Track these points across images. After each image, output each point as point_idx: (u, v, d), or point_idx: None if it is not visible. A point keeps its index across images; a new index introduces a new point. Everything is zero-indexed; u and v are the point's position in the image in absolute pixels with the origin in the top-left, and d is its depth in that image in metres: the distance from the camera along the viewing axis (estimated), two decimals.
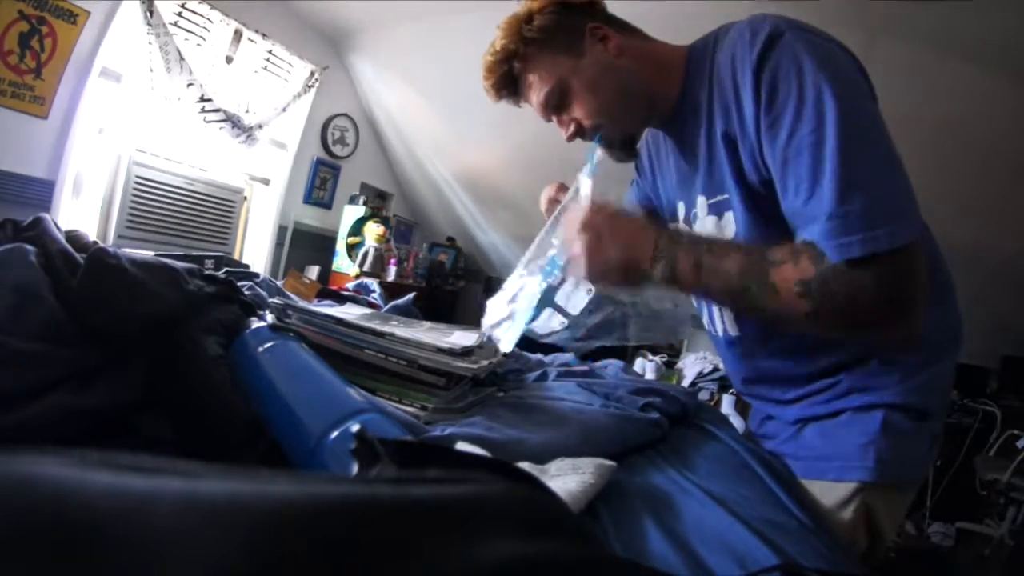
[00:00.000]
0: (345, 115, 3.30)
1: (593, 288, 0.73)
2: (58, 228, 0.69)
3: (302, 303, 0.84)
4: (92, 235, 1.38)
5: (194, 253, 1.05)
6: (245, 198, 2.82)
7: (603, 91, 0.69)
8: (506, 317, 0.75)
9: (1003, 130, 1.96)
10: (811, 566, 0.41)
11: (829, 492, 0.63)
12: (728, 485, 0.55)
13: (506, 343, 0.74)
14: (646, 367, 2.66)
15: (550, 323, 0.79)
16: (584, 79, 0.68)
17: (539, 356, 1.13)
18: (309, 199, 3.21)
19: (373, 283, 1.45)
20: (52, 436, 0.49)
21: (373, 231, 3.05)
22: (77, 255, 0.62)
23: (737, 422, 1.12)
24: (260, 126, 2.69)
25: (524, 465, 0.49)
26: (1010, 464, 2.15)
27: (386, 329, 0.70)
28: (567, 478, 0.47)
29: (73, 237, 0.75)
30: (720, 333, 0.75)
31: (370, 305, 1.21)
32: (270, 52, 2.71)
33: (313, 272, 3.06)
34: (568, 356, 1.15)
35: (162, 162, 2.40)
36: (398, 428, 0.51)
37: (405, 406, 0.64)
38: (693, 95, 0.66)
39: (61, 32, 1.98)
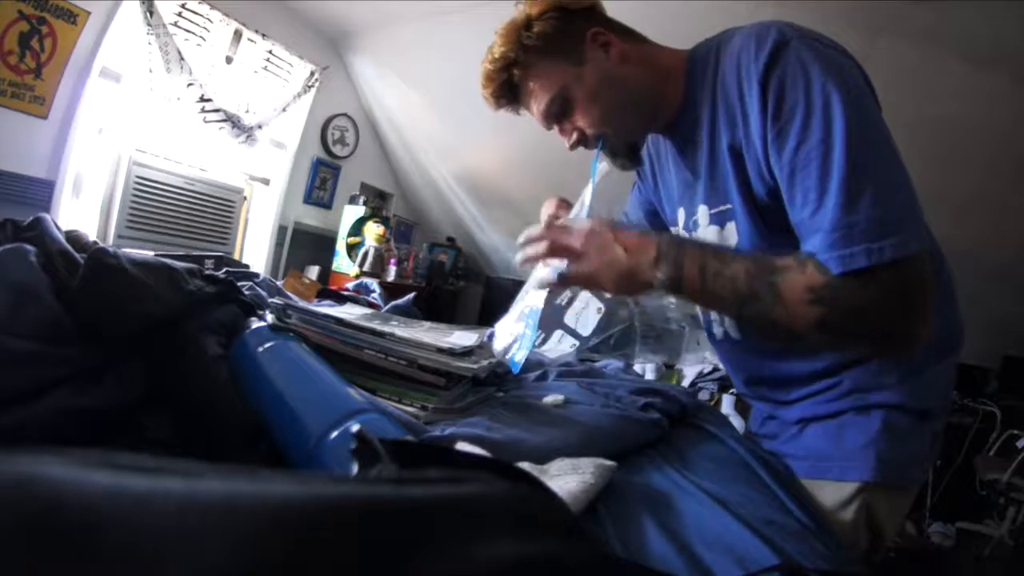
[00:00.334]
0: (345, 115, 3.30)
1: (603, 307, 0.73)
2: (58, 228, 0.69)
3: (302, 303, 0.84)
4: (92, 235, 1.38)
5: (194, 253, 1.05)
6: (245, 198, 2.82)
7: (606, 100, 0.68)
8: (514, 340, 0.74)
9: (1003, 130, 1.96)
10: (811, 566, 0.42)
11: (830, 492, 0.63)
12: (728, 485, 0.55)
13: (519, 360, 0.73)
14: (646, 367, 2.66)
15: (561, 346, 0.78)
16: (586, 88, 0.67)
17: (539, 356, 1.13)
18: (309, 199, 3.21)
19: (373, 283, 1.45)
20: (52, 436, 0.49)
21: (373, 231, 3.05)
22: (77, 255, 0.62)
23: (737, 422, 1.12)
24: (260, 126, 2.69)
25: (524, 465, 0.49)
26: (1010, 464, 2.15)
27: (386, 329, 0.70)
28: (567, 478, 0.47)
29: (73, 237, 0.75)
30: (721, 336, 0.75)
31: (370, 305, 1.21)
32: (270, 52, 2.71)
33: (313, 272, 3.06)
34: (568, 357, 1.15)
35: (162, 162, 2.40)
36: (398, 428, 0.51)
37: (405, 406, 0.64)
38: (696, 102, 0.65)
39: (61, 32, 1.98)
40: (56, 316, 0.54)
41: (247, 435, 0.54)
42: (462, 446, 0.49)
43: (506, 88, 0.71)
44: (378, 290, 1.38)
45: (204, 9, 2.38)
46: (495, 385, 0.81)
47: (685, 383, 2.57)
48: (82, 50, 2.05)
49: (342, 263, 3.15)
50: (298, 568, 0.14)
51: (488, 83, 0.71)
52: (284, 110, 2.82)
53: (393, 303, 1.15)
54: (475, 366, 0.68)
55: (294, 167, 3.06)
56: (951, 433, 2.49)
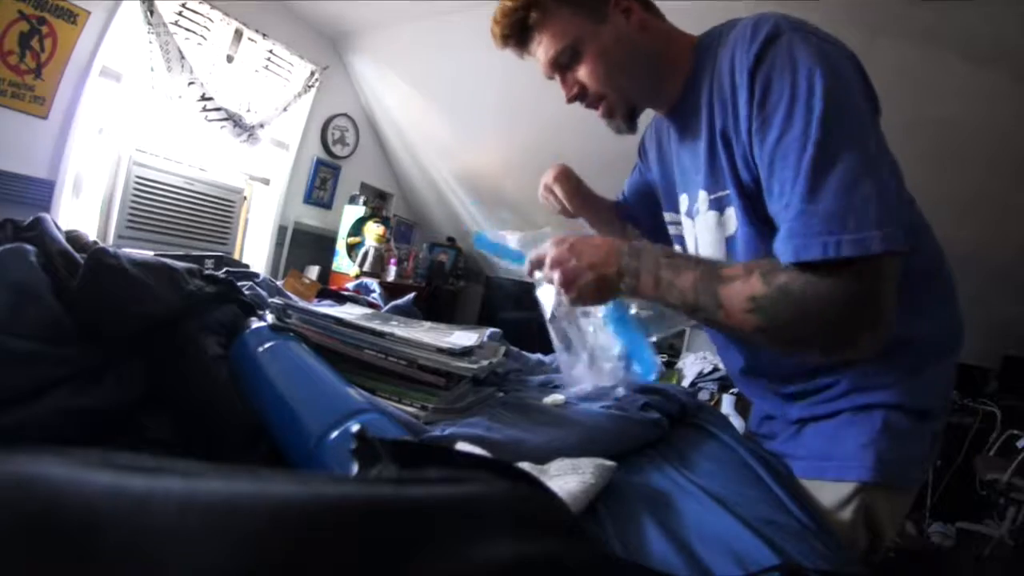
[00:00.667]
0: (345, 115, 3.30)
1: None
2: (58, 228, 0.69)
3: (302, 303, 0.84)
4: (92, 235, 1.38)
5: (194, 253, 1.05)
6: (245, 198, 2.82)
7: (616, 62, 0.68)
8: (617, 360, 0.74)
9: (1004, 130, 1.96)
10: (811, 566, 0.42)
11: (829, 492, 0.63)
12: (728, 485, 0.55)
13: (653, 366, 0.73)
14: None
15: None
16: (599, 45, 0.67)
17: (539, 356, 1.13)
18: (309, 199, 3.21)
19: (373, 283, 1.45)
20: (52, 436, 0.49)
21: (373, 231, 3.04)
22: (77, 255, 0.62)
23: (737, 422, 1.12)
24: (262, 125, 2.69)
25: (524, 465, 0.49)
26: (1010, 464, 2.15)
27: (386, 329, 0.70)
28: (567, 478, 0.47)
29: (73, 237, 0.75)
30: None
31: (370, 305, 1.21)
32: (270, 52, 2.71)
33: (313, 272, 3.06)
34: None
35: (162, 162, 2.40)
36: (398, 428, 0.51)
37: (405, 406, 0.64)
38: (696, 88, 0.66)
39: (61, 32, 1.98)
40: (56, 316, 0.54)
41: (247, 435, 0.54)
42: (462, 446, 0.49)
43: (518, 28, 0.70)
44: (378, 290, 1.38)
45: (204, 9, 2.38)
46: (495, 385, 0.81)
47: (685, 383, 2.57)
48: (82, 50, 2.05)
49: (342, 263, 3.15)
50: (298, 568, 0.14)
51: (502, 18, 0.70)
52: (285, 109, 2.82)
53: (393, 303, 1.15)
54: (475, 366, 0.68)
55: (294, 167, 3.06)
56: (951, 433, 2.49)
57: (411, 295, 1.19)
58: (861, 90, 0.56)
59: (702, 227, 0.71)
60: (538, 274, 0.69)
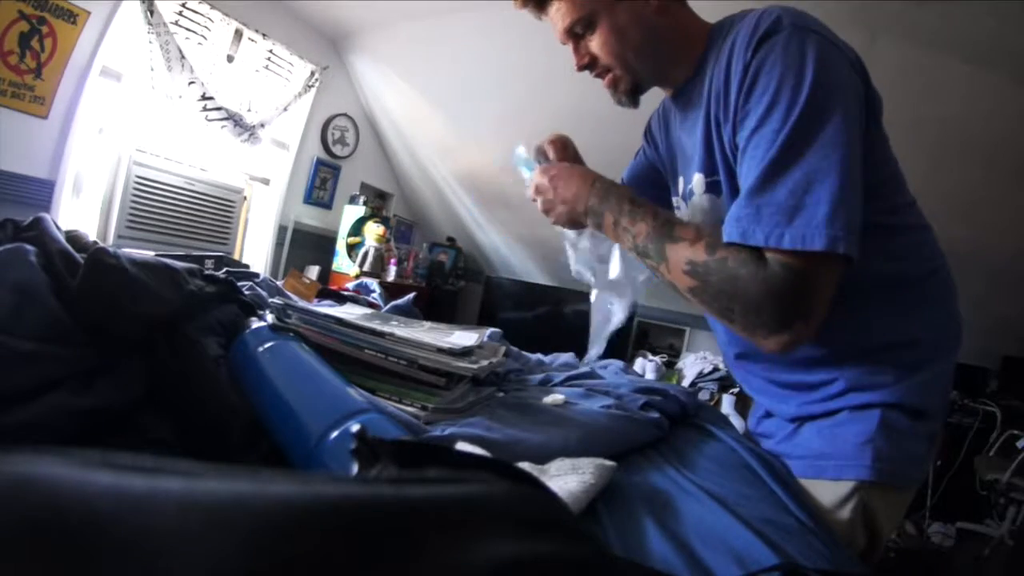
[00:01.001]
0: (345, 115, 3.30)
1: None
2: (58, 228, 0.69)
3: (302, 303, 0.84)
4: (92, 235, 1.38)
5: (194, 253, 1.05)
6: (245, 198, 2.82)
7: (629, 39, 0.69)
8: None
9: (1003, 130, 1.96)
10: (811, 565, 0.42)
11: (827, 491, 0.63)
12: (728, 485, 0.55)
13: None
14: (646, 367, 2.67)
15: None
16: (616, 21, 0.68)
17: (539, 356, 1.13)
18: (309, 199, 3.21)
19: (373, 283, 1.45)
20: (52, 436, 0.49)
21: (373, 231, 3.04)
22: (77, 255, 0.62)
23: (737, 422, 1.12)
24: (262, 125, 2.69)
25: (524, 465, 0.49)
26: (1010, 464, 2.15)
27: (386, 329, 0.70)
28: (567, 478, 0.47)
29: (73, 237, 0.75)
30: None
31: (370, 305, 1.21)
32: (271, 52, 2.71)
33: (313, 272, 3.05)
34: (568, 356, 1.15)
35: (162, 162, 2.40)
36: (398, 428, 0.51)
37: (405, 406, 0.64)
38: (702, 74, 0.67)
39: (61, 32, 1.97)
40: (56, 316, 0.54)
41: (247, 435, 0.54)
42: (462, 446, 0.49)
43: None
44: (378, 290, 1.38)
45: (204, 9, 2.38)
46: (495, 385, 0.81)
47: (685, 383, 2.57)
48: (82, 50, 2.05)
49: (342, 263, 3.15)
50: (298, 568, 0.14)
51: None
52: (285, 109, 2.82)
53: (393, 303, 1.15)
54: (475, 366, 0.68)
55: (294, 167, 3.06)
56: (951, 433, 2.49)
57: (411, 295, 1.19)
58: (855, 93, 0.57)
59: (696, 210, 0.72)
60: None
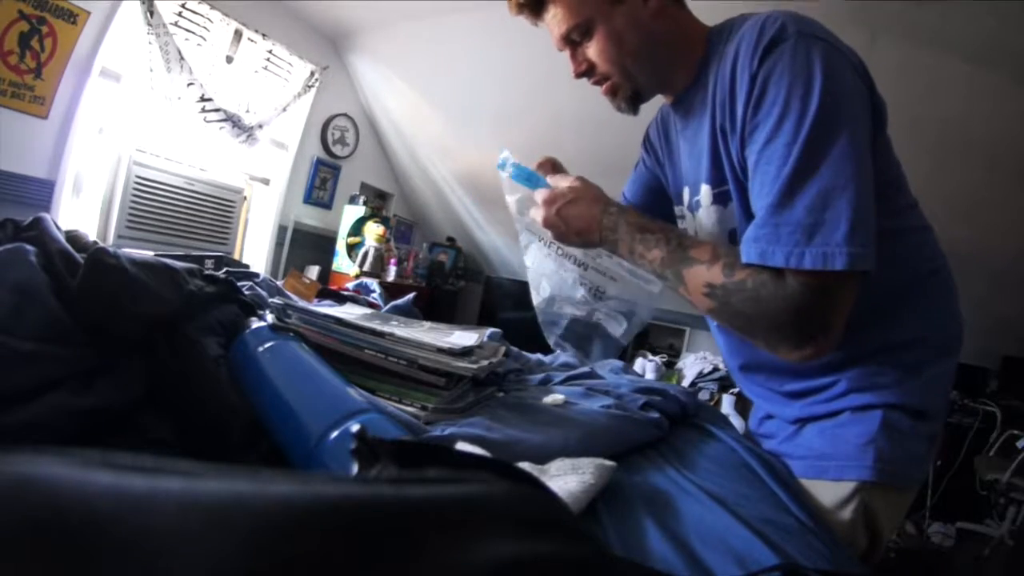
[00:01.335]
0: (345, 115, 3.30)
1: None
2: (58, 228, 0.69)
3: (302, 303, 0.84)
4: (92, 235, 1.38)
5: (194, 253, 1.05)
6: (245, 198, 2.82)
7: (627, 45, 0.67)
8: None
9: (1004, 130, 1.96)
10: (811, 566, 0.42)
11: (828, 491, 0.63)
12: (728, 485, 0.55)
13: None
14: (646, 367, 2.67)
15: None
16: (612, 26, 0.66)
17: (539, 356, 1.13)
18: (309, 199, 3.21)
19: (373, 283, 1.45)
20: (52, 436, 0.49)
21: (373, 231, 3.04)
22: (77, 255, 0.62)
23: (737, 422, 1.12)
24: (260, 126, 2.69)
25: (524, 465, 0.49)
26: (1010, 464, 2.15)
27: (386, 329, 0.70)
28: (567, 478, 0.47)
29: (73, 237, 0.75)
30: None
31: (370, 305, 1.21)
32: (270, 52, 2.71)
33: (313, 272, 3.05)
34: (568, 356, 1.15)
35: (162, 162, 2.40)
36: (398, 428, 0.51)
37: (405, 406, 0.64)
38: (704, 81, 0.66)
39: (61, 32, 1.97)
40: (56, 316, 0.54)
41: (247, 435, 0.54)
42: (462, 446, 0.49)
43: None
44: (378, 290, 1.38)
45: (204, 9, 2.38)
46: (495, 385, 0.81)
47: (685, 383, 2.57)
48: (82, 50, 2.05)
49: (342, 263, 3.15)
50: (298, 568, 0.14)
51: None
52: (284, 110, 2.82)
53: (393, 303, 1.15)
54: (475, 366, 0.68)
55: (294, 167, 3.06)
56: (951, 433, 2.49)
57: (411, 295, 1.19)
58: (863, 100, 0.56)
59: (704, 221, 0.71)
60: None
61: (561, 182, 0.72)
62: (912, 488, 0.67)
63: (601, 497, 0.48)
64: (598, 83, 0.72)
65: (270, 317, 0.72)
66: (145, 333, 0.59)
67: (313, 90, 2.97)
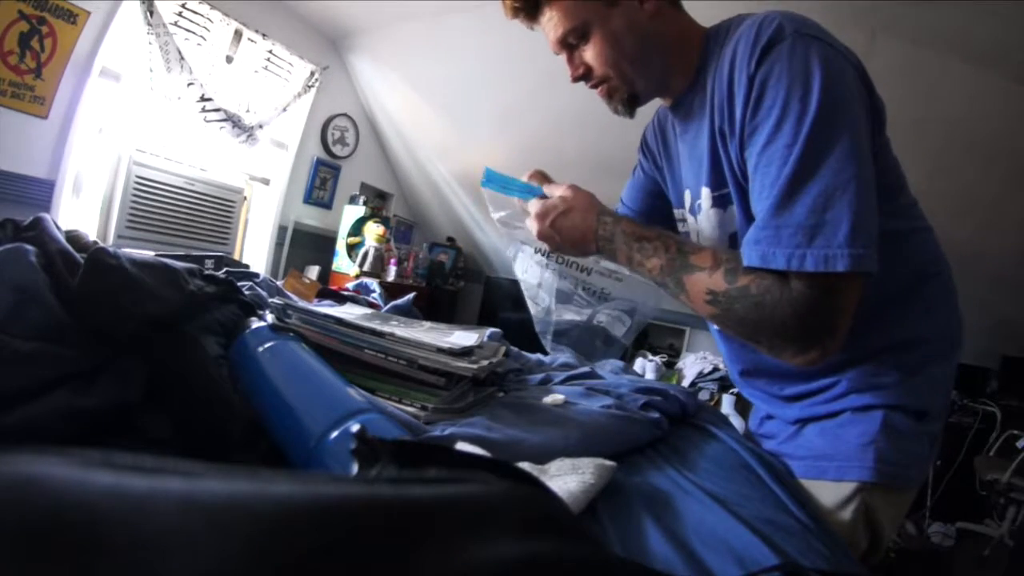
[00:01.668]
0: (345, 115, 3.30)
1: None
2: (58, 228, 0.69)
3: (302, 303, 0.84)
4: (92, 235, 1.38)
5: (194, 253, 1.05)
6: (245, 198, 2.82)
7: (624, 48, 0.67)
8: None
9: (1003, 130, 1.96)
10: (811, 566, 0.42)
11: (829, 492, 0.63)
12: (728, 485, 0.55)
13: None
14: (646, 367, 2.67)
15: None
16: (609, 29, 0.66)
17: (539, 356, 1.13)
18: (309, 199, 3.21)
19: (373, 283, 1.45)
20: (53, 436, 0.49)
21: (373, 231, 3.04)
22: (77, 255, 0.62)
23: (737, 422, 1.12)
24: (260, 126, 2.69)
25: (524, 465, 0.49)
26: (1010, 464, 2.15)
27: (386, 329, 0.70)
28: (567, 478, 0.47)
29: (73, 237, 0.75)
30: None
31: (370, 305, 1.21)
32: (270, 52, 2.71)
33: (313, 272, 3.05)
34: (568, 356, 1.15)
35: (162, 162, 2.40)
36: (398, 428, 0.51)
37: (405, 406, 0.63)
38: (701, 83, 0.66)
39: (61, 32, 1.97)
40: (56, 316, 0.54)
41: (247, 435, 0.54)
42: (462, 446, 0.49)
43: (530, 1, 0.68)
44: (378, 290, 1.38)
45: (204, 9, 2.38)
46: (495, 385, 0.81)
47: (685, 383, 2.57)
48: (82, 50, 2.05)
49: (342, 263, 3.15)
50: (298, 568, 0.14)
51: None
52: (284, 110, 2.82)
53: (393, 303, 1.15)
54: (475, 366, 0.68)
55: (294, 167, 3.06)
56: (951, 433, 2.49)
57: (411, 295, 1.19)
58: (862, 100, 0.56)
59: (704, 224, 0.71)
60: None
61: (554, 190, 0.72)
62: (913, 488, 0.67)
63: (601, 497, 0.48)
64: (595, 86, 0.71)
65: (270, 317, 0.72)
66: (145, 333, 0.59)
67: (313, 90, 2.97)
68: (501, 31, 2.42)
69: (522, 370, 0.99)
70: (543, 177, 0.77)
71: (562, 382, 0.92)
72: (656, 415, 0.70)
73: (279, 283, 1.10)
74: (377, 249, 3.03)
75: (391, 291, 1.53)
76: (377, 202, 3.53)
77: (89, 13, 2.03)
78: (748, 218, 0.62)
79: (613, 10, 0.65)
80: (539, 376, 0.95)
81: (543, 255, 0.81)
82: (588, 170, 2.61)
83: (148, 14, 2.14)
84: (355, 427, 0.27)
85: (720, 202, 0.67)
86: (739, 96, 0.57)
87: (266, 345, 0.62)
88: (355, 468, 0.22)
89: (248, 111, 2.62)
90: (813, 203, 0.51)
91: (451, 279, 3.84)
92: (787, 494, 0.56)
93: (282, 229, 3.07)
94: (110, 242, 2.17)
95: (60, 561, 0.12)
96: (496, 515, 0.20)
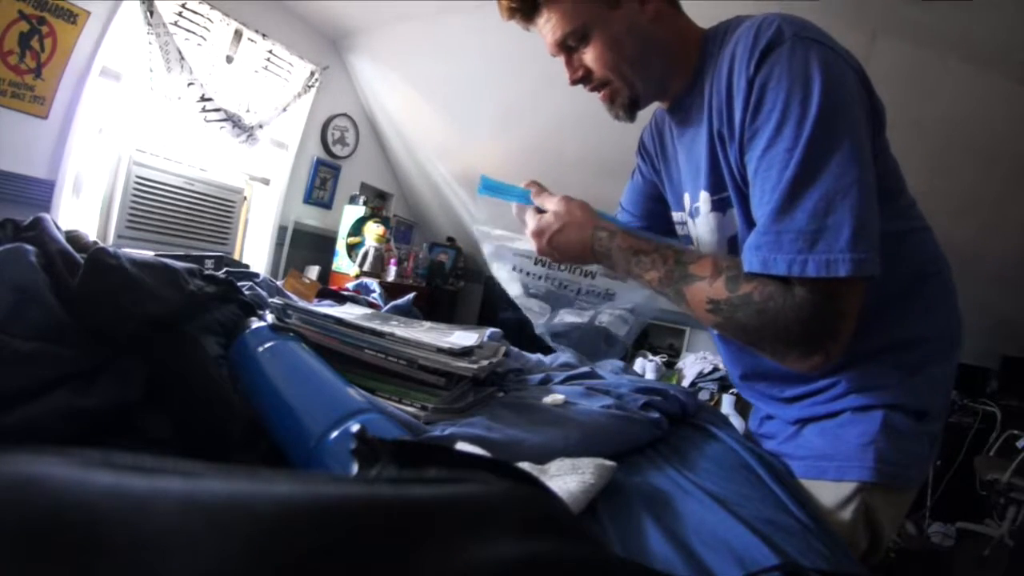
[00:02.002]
0: (345, 115, 3.30)
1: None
2: (58, 228, 0.69)
3: (302, 303, 0.84)
4: (92, 235, 1.38)
5: (194, 253, 1.05)
6: (245, 198, 2.82)
7: (625, 50, 0.66)
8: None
9: (1003, 130, 1.96)
10: (811, 566, 0.42)
11: (829, 492, 0.63)
12: (728, 485, 0.55)
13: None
14: (646, 367, 2.67)
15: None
16: (610, 31, 0.65)
17: (539, 356, 1.13)
18: (309, 199, 3.21)
19: (373, 283, 1.45)
20: (53, 436, 0.49)
21: (373, 231, 3.04)
22: (77, 255, 0.62)
23: (737, 422, 1.12)
24: (260, 126, 2.69)
25: (524, 465, 0.49)
26: (1010, 464, 2.15)
27: (386, 329, 0.70)
28: (567, 478, 0.47)
29: (73, 237, 0.75)
30: None
31: (370, 305, 1.21)
32: (270, 52, 2.71)
33: (313, 272, 3.05)
34: (568, 356, 1.15)
35: (162, 162, 2.40)
36: (398, 428, 0.51)
37: (405, 406, 0.63)
38: (699, 86, 0.66)
39: (61, 32, 1.97)
40: (56, 316, 0.54)
41: (247, 435, 0.54)
42: (462, 446, 0.49)
43: (527, 1, 0.67)
44: (378, 290, 1.38)
45: (204, 9, 2.38)
46: (495, 385, 0.81)
47: (685, 383, 2.57)
48: (82, 50, 2.05)
49: (342, 263, 3.15)
50: (298, 568, 0.14)
51: None
52: (284, 110, 2.82)
53: (393, 303, 1.15)
54: (475, 366, 0.68)
55: (294, 167, 3.06)
56: (951, 433, 2.49)
57: (411, 295, 1.19)
58: (862, 103, 0.56)
59: (703, 228, 0.71)
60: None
61: (546, 203, 0.72)
62: (913, 488, 0.67)
63: (601, 497, 0.48)
64: (595, 89, 0.71)
65: (270, 317, 0.72)
66: (145, 333, 0.59)
67: (313, 90, 2.97)
68: (501, 31, 2.42)
69: (522, 370, 0.99)
70: (539, 188, 0.77)
71: (562, 382, 0.92)
72: (656, 415, 0.70)
73: (279, 283, 1.10)
74: (377, 249, 3.03)
75: (391, 291, 1.53)
76: (377, 202, 3.54)
77: (89, 13, 2.03)
78: (748, 222, 0.62)
79: (614, 12, 0.65)
80: (539, 376, 0.95)
81: (544, 265, 0.82)
82: (589, 172, 2.61)
83: (148, 14, 2.14)
84: (355, 427, 0.27)
85: (719, 206, 0.67)
86: (738, 99, 0.57)
87: (266, 345, 0.62)
88: (355, 468, 0.22)
89: (248, 111, 2.63)
90: (814, 208, 0.51)
91: (451, 279, 3.84)
92: (787, 494, 0.56)
93: (282, 229, 3.07)
94: (110, 242, 2.17)
95: (60, 561, 0.12)
96: (496, 515, 0.20)
